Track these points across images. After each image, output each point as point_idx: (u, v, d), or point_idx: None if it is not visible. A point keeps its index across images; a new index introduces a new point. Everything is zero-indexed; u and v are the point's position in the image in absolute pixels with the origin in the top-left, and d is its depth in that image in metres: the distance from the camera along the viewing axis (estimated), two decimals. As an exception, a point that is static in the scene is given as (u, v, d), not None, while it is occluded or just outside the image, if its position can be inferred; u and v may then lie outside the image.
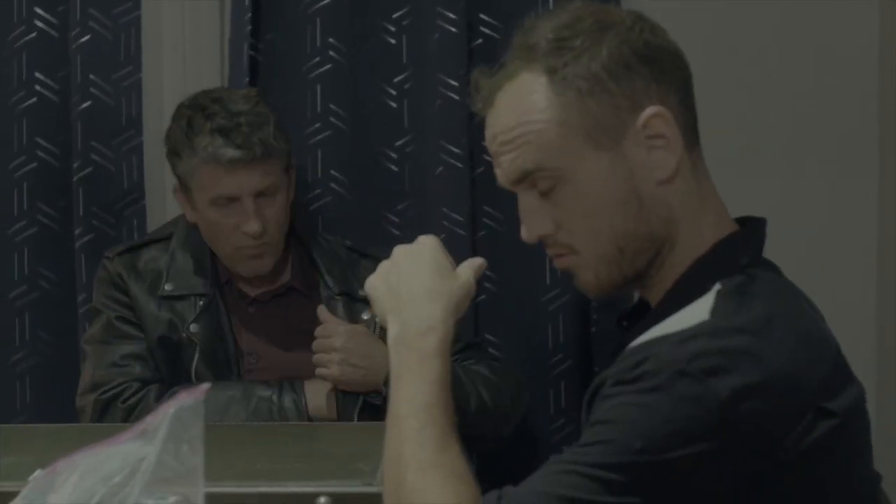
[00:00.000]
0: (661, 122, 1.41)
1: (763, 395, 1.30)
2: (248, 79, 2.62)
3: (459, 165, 2.62)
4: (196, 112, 2.41)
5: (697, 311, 1.37)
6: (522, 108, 1.44)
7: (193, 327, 2.44)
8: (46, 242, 2.74)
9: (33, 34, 2.71)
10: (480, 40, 2.65)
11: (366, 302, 2.44)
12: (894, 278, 2.72)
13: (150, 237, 2.59)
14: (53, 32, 2.72)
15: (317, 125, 2.66)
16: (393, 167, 2.71)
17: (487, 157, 2.66)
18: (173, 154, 2.44)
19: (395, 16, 2.68)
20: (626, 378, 1.33)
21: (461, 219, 2.63)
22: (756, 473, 1.31)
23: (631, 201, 1.42)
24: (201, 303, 2.46)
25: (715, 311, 1.37)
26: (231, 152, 2.37)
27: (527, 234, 1.48)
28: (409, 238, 2.73)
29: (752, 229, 1.48)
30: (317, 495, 1.58)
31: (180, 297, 2.47)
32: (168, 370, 2.45)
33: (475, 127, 2.64)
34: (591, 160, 1.42)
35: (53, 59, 2.72)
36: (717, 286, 1.39)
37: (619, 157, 1.42)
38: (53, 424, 2.32)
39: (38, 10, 2.71)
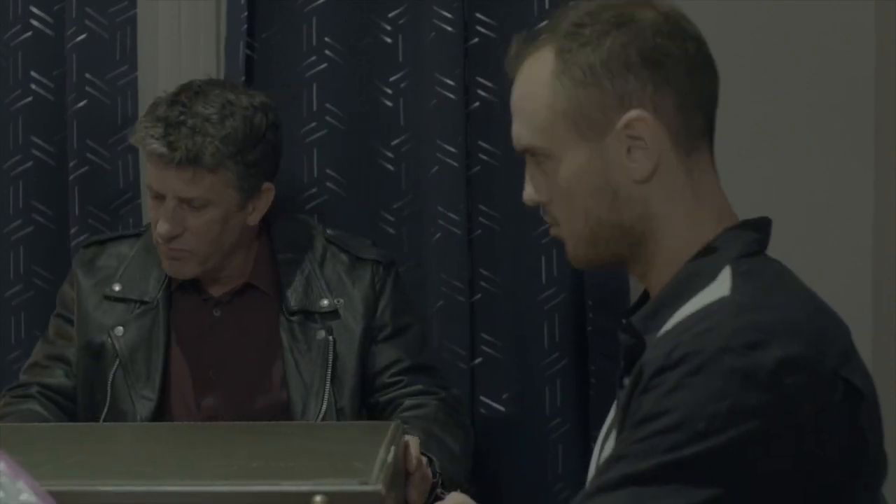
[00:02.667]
0: (642, 125, 1.46)
1: (802, 367, 1.33)
2: (244, 77, 2.61)
3: (455, 164, 2.62)
4: (169, 94, 2.29)
5: (716, 290, 1.41)
6: (529, 82, 1.51)
7: (118, 331, 2.33)
8: (42, 242, 2.73)
9: (29, 33, 2.71)
10: (476, 39, 2.65)
11: (323, 316, 2.34)
12: (893, 277, 2.71)
13: (128, 231, 2.53)
14: (49, 31, 2.71)
15: (312, 124, 2.65)
16: (389, 166, 2.70)
17: (483, 157, 2.69)
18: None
19: (391, 15, 2.67)
20: (668, 364, 1.34)
21: (457, 218, 2.62)
22: (809, 454, 1.32)
23: (605, 192, 1.48)
24: (138, 310, 2.35)
25: (735, 288, 1.40)
26: (153, 144, 2.23)
27: (525, 196, 1.56)
28: (405, 237, 2.76)
29: (758, 224, 1.51)
30: (313, 494, 1.58)
31: (123, 300, 2.36)
32: (89, 377, 2.35)
33: (471, 126, 2.65)
34: (572, 147, 1.48)
35: (49, 58, 2.71)
36: (729, 269, 1.43)
37: (599, 150, 1.47)
38: (53, 424, 2.31)
39: (34, 9, 2.70)
